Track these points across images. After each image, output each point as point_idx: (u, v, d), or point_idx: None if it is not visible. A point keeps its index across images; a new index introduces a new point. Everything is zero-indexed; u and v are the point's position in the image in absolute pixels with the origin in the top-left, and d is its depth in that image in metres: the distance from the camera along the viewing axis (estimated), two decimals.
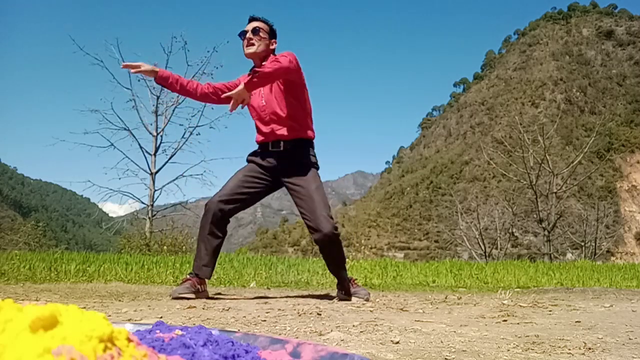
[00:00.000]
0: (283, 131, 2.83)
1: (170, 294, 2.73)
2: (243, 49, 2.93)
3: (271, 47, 2.94)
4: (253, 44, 2.86)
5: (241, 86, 2.62)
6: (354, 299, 2.83)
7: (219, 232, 2.81)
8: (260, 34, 2.89)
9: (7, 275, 4.10)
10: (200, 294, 2.77)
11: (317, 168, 2.92)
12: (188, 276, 2.81)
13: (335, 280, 2.98)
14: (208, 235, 2.78)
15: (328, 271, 5.52)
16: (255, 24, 2.93)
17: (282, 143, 2.83)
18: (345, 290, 2.88)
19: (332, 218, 2.74)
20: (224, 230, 2.84)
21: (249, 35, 2.88)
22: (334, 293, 3.57)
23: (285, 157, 2.84)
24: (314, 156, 2.91)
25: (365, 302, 2.74)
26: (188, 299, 2.64)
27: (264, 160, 2.87)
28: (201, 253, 2.80)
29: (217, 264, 5.68)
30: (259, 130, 2.92)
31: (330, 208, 2.83)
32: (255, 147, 2.98)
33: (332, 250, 2.79)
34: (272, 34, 2.97)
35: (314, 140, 2.96)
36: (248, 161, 2.96)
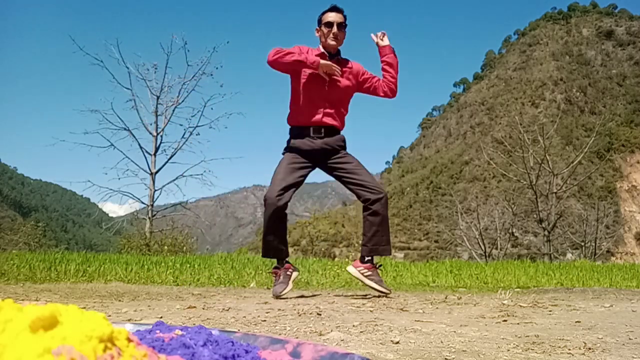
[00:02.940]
0: (328, 119, 3.08)
1: (273, 294, 2.94)
2: (324, 37, 3.11)
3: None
4: (337, 38, 3.11)
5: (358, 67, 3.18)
6: (368, 281, 3.00)
7: (282, 221, 3.02)
8: (344, 31, 3.14)
9: (7, 275, 4.10)
10: (291, 275, 3.03)
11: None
12: (273, 270, 3.08)
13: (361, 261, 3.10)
14: (274, 227, 2.98)
15: (328, 271, 5.50)
16: (341, 17, 3.13)
17: (323, 129, 3.08)
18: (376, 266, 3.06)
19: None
20: (285, 217, 3.04)
21: (335, 30, 3.08)
22: (334, 293, 3.56)
23: (326, 142, 3.09)
24: (344, 140, 3.20)
25: (384, 291, 2.97)
26: (285, 293, 2.91)
27: (306, 145, 3.07)
28: (274, 244, 3.01)
29: (217, 263, 5.68)
30: (304, 112, 3.09)
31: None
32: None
33: (386, 212, 3.05)
34: (346, 26, 3.20)
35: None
36: (289, 149, 3.12)
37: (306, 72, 3.04)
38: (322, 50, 3.12)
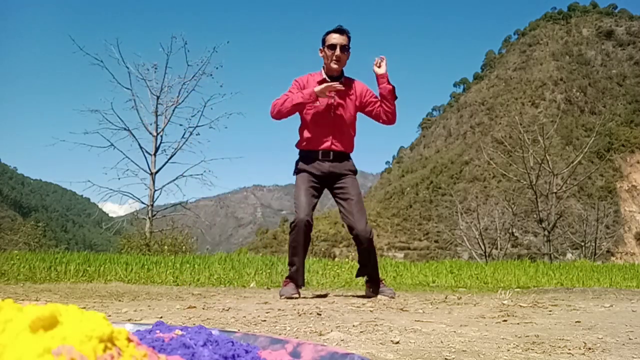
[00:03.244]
0: (336, 145, 3.13)
1: (280, 294, 3.00)
2: (327, 59, 3.11)
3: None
4: (340, 61, 3.10)
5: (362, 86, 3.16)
6: (379, 296, 3.06)
7: (308, 244, 3.13)
8: (347, 53, 3.12)
9: (7, 275, 4.10)
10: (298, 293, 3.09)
11: (356, 174, 3.26)
12: (288, 279, 3.13)
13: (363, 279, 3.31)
14: (302, 250, 3.08)
15: (328, 271, 5.52)
16: (344, 39, 3.11)
17: (331, 153, 3.11)
18: (373, 288, 3.16)
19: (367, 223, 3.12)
20: (310, 239, 3.14)
21: (338, 52, 3.08)
22: (334, 293, 3.58)
23: (334, 167, 3.15)
24: (353, 165, 3.25)
25: (390, 299, 3.00)
26: (295, 298, 2.95)
27: (315, 168, 3.14)
28: (298, 265, 3.09)
29: (217, 263, 5.69)
30: (312, 140, 3.14)
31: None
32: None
33: (370, 248, 3.09)
34: (349, 47, 3.17)
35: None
36: (300, 171, 3.18)
37: (309, 105, 3.10)
38: (324, 75, 3.14)
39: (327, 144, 3.11)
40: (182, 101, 13.73)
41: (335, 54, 3.06)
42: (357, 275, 3.36)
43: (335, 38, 3.08)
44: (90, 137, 13.97)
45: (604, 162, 61.98)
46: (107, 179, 25.34)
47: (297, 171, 3.19)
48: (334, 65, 3.09)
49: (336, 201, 3.20)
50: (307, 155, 3.16)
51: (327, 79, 3.11)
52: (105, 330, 0.35)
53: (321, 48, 3.16)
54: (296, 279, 3.09)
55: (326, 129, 3.11)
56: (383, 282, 3.25)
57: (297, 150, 3.24)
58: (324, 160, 3.12)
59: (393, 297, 3.06)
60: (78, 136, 19.77)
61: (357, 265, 3.32)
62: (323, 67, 3.18)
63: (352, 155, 3.25)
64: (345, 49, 3.09)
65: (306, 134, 3.15)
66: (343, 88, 3.07)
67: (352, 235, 3.08)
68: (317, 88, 3.00)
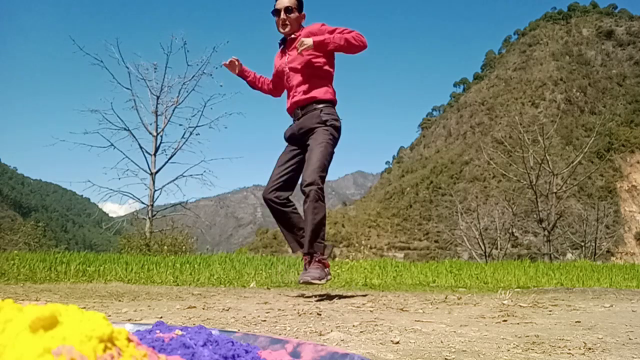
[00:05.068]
0: (299, 96, 2.99)
1: (304, 279, 2.73)
2: (277, 27, 3.08)
3: (302, 21, 3.11)
4: (287, 24, 3.04)
5: (309, 40, 2.83)
6: (303, 277, 2.76)
7: (287, 213, 2.96)
8: (293, 13, 3.04)
9: (7, 275, 4.10)
10: (323, 262, 2.84)
11: (332, 127, 2.95)
12: (305, 255, 2.87)
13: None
14: (281, 221, 2.98)
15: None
16: (285, 2, 3.04)
17: (298, 110, 3.01)
18: (308, 262, 2.84)
19: (321, 174, 2.80)
20: (289, 206, 2.97)
21: (282, 15, 3.02)
22: (334, 293, 3.57)
23: (301, 124, 2.99)
24: (329, 115, 2.95)
25: (314, 281, 2.71)
26: (315, 284, 2.74)
27: (288, 132, 3.08)
28: (287, 237, 3.01)
29: (217, 263, 5.68)
30: (287, 101, 3.12)
31: (325, 169, 2.85)
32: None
33: (311, 206, 2.77)
34: (300, 8, 3.10)
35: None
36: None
37: (274, 72, 3.13)
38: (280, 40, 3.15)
39: (291, 99, 3.05)
40: (182, 101, 13.74)
41: (281, 17, 3.03)
42: (295, 250, 3.03)
43: (278, 3, 3.05)
44: (90, 137, 14.00)
45: (604, 162, 61.98)
46: (107, 179, 25.40)
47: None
48: (281, 30, 3.06)
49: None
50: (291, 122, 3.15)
51: (280, 41, 3.14)
52: (105, 330, 0.35)
53: None
54: (292, 247, 3.01)
55: (289, 86, 3.06)
56: (324, 261, 2.85)
57: None
58: (295, 120, 3.06)
59: (314, 282, 2.71)
60: (78, 136, 19.74)
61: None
62: None
63: (326, 132, 2.93)
64: (289, 10, 3.02)
65: (285, 97, 3.16)
66: (234, 63, 3.13)
67: (301, 189, 2.87)
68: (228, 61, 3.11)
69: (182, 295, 3.05)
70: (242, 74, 3.23)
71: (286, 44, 3.10)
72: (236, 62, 3.16)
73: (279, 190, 2.96)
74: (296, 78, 3.03)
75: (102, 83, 14.86)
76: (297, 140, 3.03)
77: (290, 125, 3.09)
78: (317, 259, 2.82)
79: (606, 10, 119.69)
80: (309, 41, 2.85)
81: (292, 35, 3.08)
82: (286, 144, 3.13)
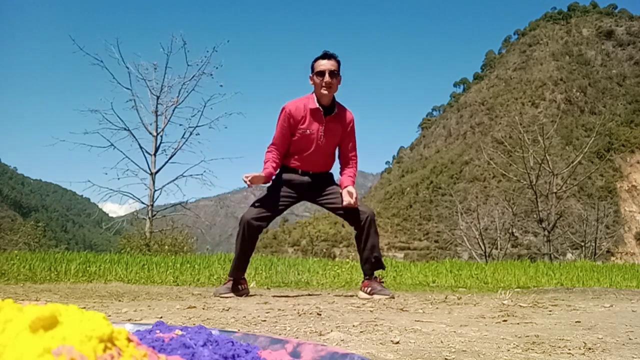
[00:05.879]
0: (318, 168, 3.18)
1: (215, 293, 3.03)
2: (317, 87, 3.05)
3: (339, 84, 3.15)
4: (331, 87, 3.04)
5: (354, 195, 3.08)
6: (376, 296, 2.98)
7: (255, 241, 3.14)
8: (337, 78, 3.07)
9: (7, 275, 4.10)
10: (242, 292, 3.10)
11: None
12: (230, 277, 3.14)
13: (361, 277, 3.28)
14: (248, 246, 3.09)
15: (328, 271, 5.48)
16: (333, 64, 3.06)
17: (310, 172, 3.18)
18: (372, 286, 3.06)
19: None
20: (256, 241, 3.16)
21: (327, 78, 3.01)
22: (334, 293, 3.57)
23: (314, 178, 3.19)
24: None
25: (391, 299, 2.94)
26: (228, 297, 2.93)
27: (294, 180, 3.16)
28: (241, 263, 3.13)
29: (217, 263, 5.69)
30: (298, 162, 3.15)
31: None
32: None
33: (375, 229, 3.10)
34: (339, 70, 3.12)
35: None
36: (277, 183, 3.18)
37: (299, 131, 3.07)
38: (316, 102, 3.07)
39: (309, 167, 3.15)
40: (182, 101, 13.75)
41: (325, 80, 2.99)
42: (374, 269, 3.16)
43: (323, 64, 3.02)
44: (90, 137, 14.01)
45: (604, 162, 61.96)
46: (107, 179, 25.35)
47: (274, 182, 3.18)
48: (324, 92, 3.02)
49: (328, 204, 3.18)
50: (287, 170, 3.17)
51: (319, 108, 3.05)
52: (105, 330, 0.35)
53: (310, 75, 3.09)
54: (239, 274, 3.11)
55: (312, 153, 3.12)
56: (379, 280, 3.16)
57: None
58: (303, 175, 3.16)
59: (393, 297, 2.99)
60: (78, 136, 19.79)
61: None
62: (314, 93, 3.10)
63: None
64: (334, 74, 3.02)
65: (292, 153, 3.14)
66: (337, 127, 3.14)
67: (361, 219, 3.06)
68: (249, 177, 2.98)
69: (182, 295, 3.05)
70: (269, 177, 3.15)
71: (324, 111, 3.09)
72: (255, 176, 3.03)
73: (263, 221, 3.07)
74: (322, 152, 3.14)
75: (102, 83, 14.91)
76: (304, 190, 3.15)
77: (298, 176, 3.15)
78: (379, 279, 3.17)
79: (606, 10, 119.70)
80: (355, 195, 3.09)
81: (334, 111, 3.11)
82: (281, 184, 3.15)
